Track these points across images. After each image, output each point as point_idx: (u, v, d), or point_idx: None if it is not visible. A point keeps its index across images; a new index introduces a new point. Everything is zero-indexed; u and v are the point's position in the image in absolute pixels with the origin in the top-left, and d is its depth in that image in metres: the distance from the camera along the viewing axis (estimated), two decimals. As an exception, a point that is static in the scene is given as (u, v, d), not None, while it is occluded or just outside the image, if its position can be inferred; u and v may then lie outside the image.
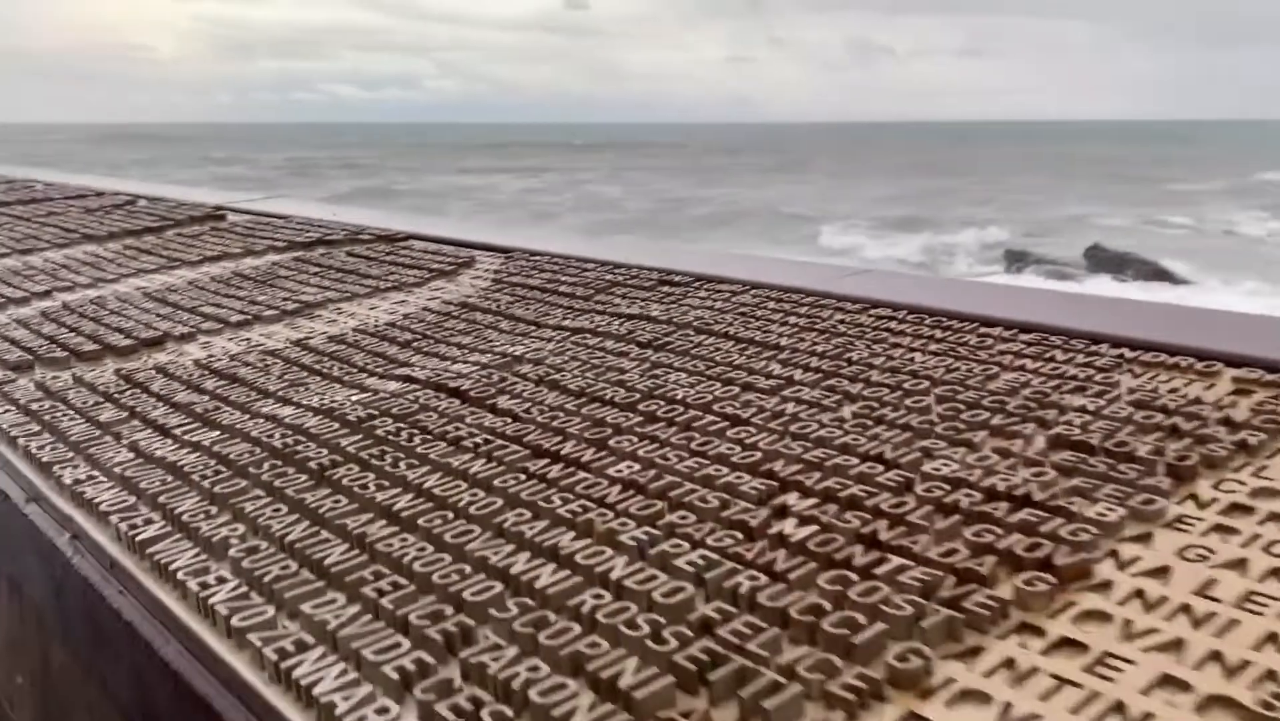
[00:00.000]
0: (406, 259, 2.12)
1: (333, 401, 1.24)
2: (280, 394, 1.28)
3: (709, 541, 0.82)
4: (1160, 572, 0.74)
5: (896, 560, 0.76)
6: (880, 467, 0.92)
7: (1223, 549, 0.77)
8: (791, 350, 1.30)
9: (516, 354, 1.39)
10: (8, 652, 1.40)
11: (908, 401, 1.08)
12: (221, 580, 0.83)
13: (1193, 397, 1.04)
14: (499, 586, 0.77)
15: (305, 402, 1.24)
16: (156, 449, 1.13)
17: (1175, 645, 0.66)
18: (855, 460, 0.94)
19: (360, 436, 1.11)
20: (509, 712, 0.64)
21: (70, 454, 1.15)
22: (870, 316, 1.42)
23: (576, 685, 0.66)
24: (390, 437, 1.10)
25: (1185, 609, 0.70)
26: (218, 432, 1.17)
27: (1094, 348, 1.21)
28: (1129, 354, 1.18)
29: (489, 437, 1.08)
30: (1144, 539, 0.79)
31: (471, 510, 0.90)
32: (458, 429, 1.11)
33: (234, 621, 0.76)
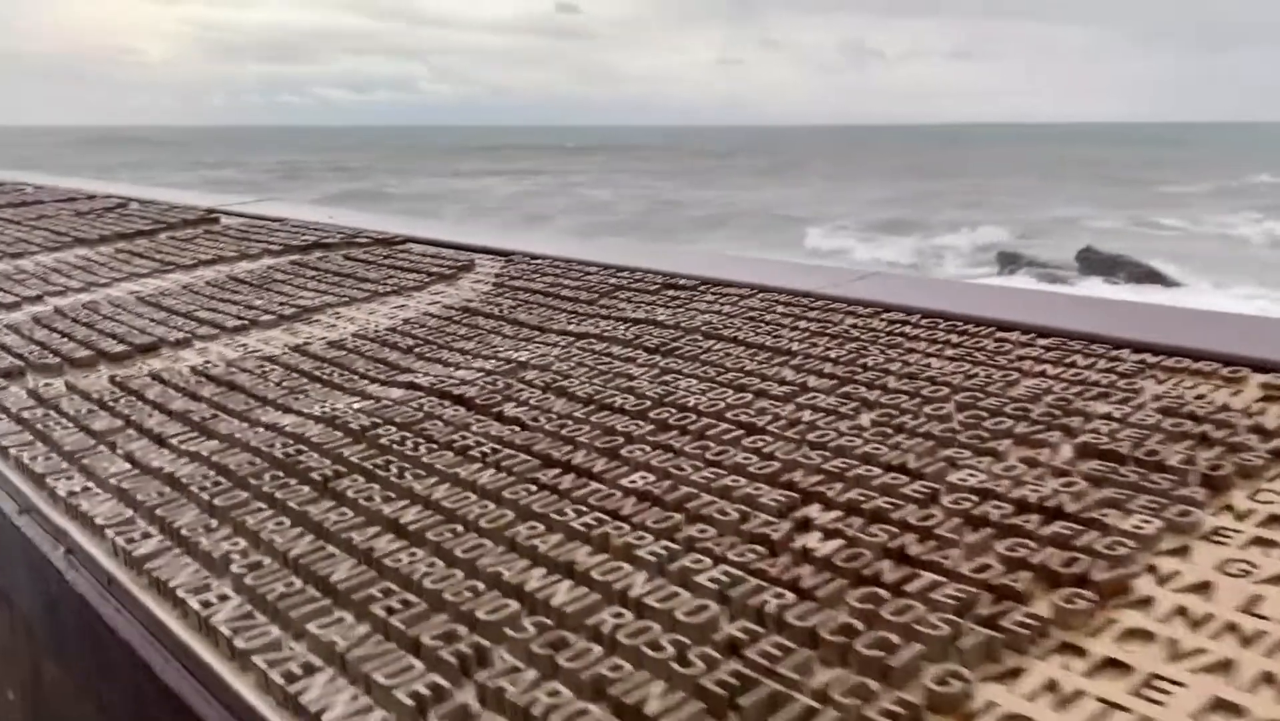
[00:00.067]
0: (405, 262, 2.09)
1: (334, 409, 1.20)
2: (280, 402, 1.25)
3: (730, 556, 0.79)
4: (1202, 588, 0.72)
5: (928, 576, 0.73)
6: (904, 478, 0.89)
7: (1265, 563, 0.74)
8: (804, 356, 1.27)
9: (521, 360, 1.36)
10: (-1, 667, 1.37)
11: (927, 409, 1.06)
12: (224, 598, 0.80)
13: (1221, 404, 1.02)
14: (514, 604, 0.74)
15: (306, 411, 1.21)
16: (153, 459, 1.09)
17: (1224, 666, 0.63)
18: (877, 470, 0.91)
19: (364, 446, 1.08)
20: (530, 741, 0.61)
21: (64, 464, 1.12)
22: (883, 321, 1.39)
23: (600, 711, 0.63)
24: (395, 447, 1.06)
25: (1232, 627, 0.67)
26: (216, 442, 1.13)
27: (1115, 352, 1.18)
28: (1151, 359, 1.16)
29: (497, 446, 1.05)
30: (1182, 552, 0.77)
31: (482, 523, 0.87)
32: (464, 437, 1.08)
33: (238, 642, 0.73)
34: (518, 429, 1.10)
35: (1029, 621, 0.67)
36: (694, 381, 1.21)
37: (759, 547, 0.80)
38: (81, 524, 0.98)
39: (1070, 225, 21.32)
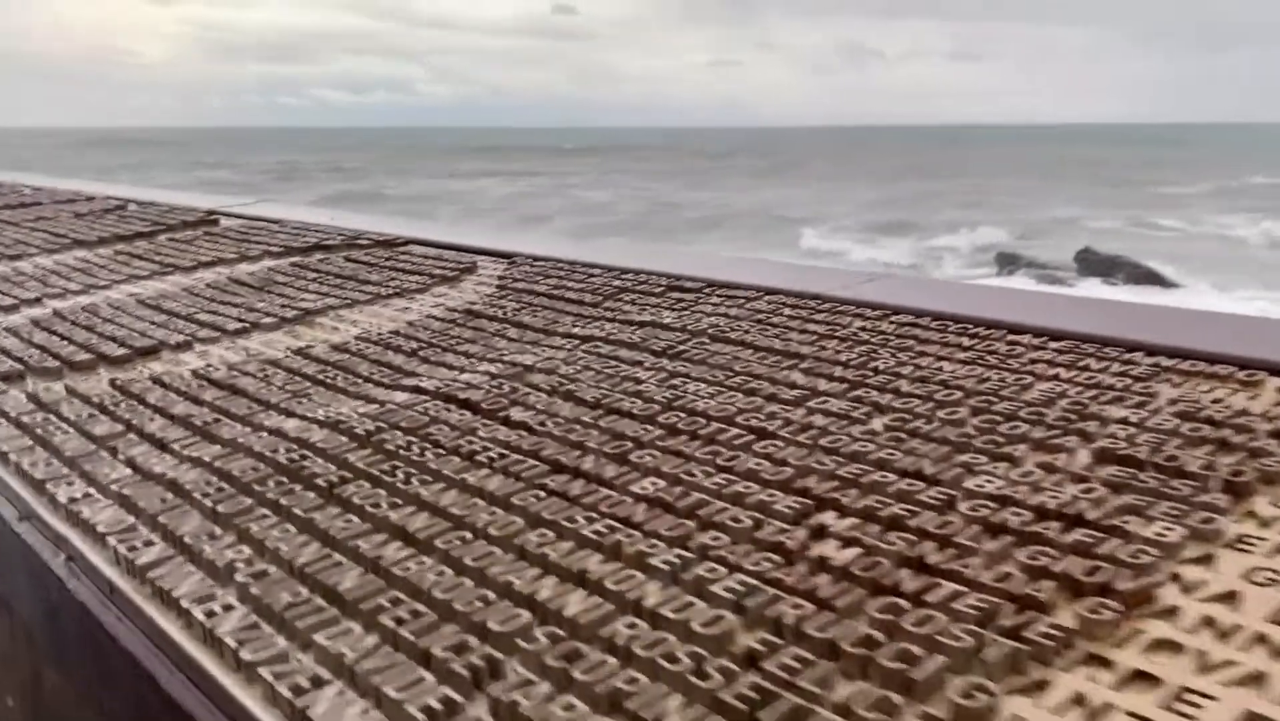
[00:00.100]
0: (407, 264, 2.07)
1: (338, 414, 1.19)
2: (283, 406, 1.24)
3: (745, 565, 0.77)
4: (1229, 598, 0.70)
5: (948, 585, 0.72)
6: (920, 484, 0.88)
7: (1292, 572, 0.72)
8: (813, 359, 1.26)
9: (527, 363, 1.34)
10: (-2, 675, 1.35)
11: (940, 413, 1.04)
12: (228, 607, 0.79)
13: (1239, 409, 1.00)
14: (526, 614, 0.73)
15: (310, 415, 1.19)
16: (155, 465, 1.08)
17: (1256, 679, 0.61)
18: (892, 476, 0.90)
19: (369, 451, 1.06)
20: (546, 757, 0.59)
21: (64, 470, 1.10)
22: (892, 323, 1.38)
23: (617, 725, 0.61)
24: (401, 452, 1.05)
25: (1261, 639, 0.65)
26: (219, 447, 1.12)
27: (1128, 356, 1.17)
28: (1165, 362, 1.14)
29: (504, 452, 1.03)
30: (1206, 560, 0.75)
31: (491, 530, 0.86)
32: (471, 442, 1.06)
33: (244, 654, 0.72)
34: (525, 433, 1.09)
35: (1053, 632, 0.66)
36: (703, 385, 1.19)
37: (774, 556, 0.78)
38: (82, 531, 0.97)
39: (1069, 226, 21.31)
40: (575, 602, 0.74)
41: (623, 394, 1.18)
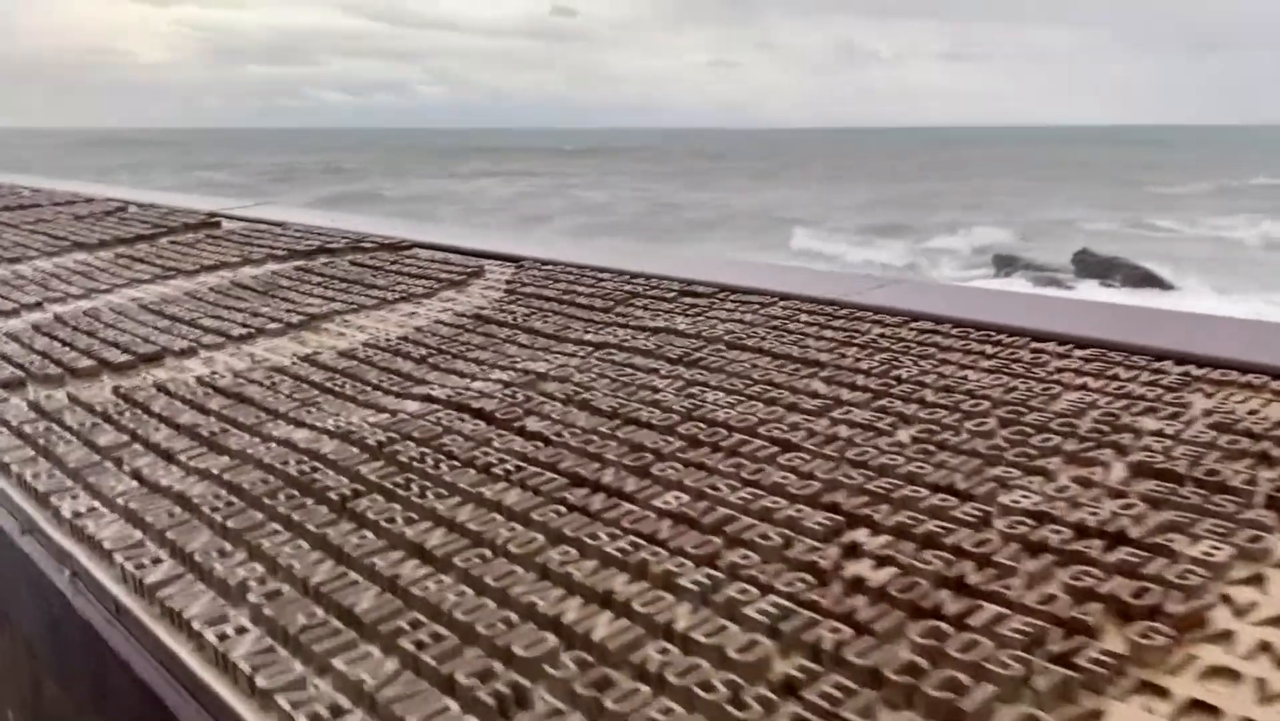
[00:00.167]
0: (413, 268, 2.04)
1: (349, 423, 1.16)
2: (292, 415, 1.21)
3: (778, 585, 0.74)
4: (1283, 621, 0.67)
5: (991, 608, 0.69)
6: (953, 499, 0.85)
7: (1347, 593, 0.70)
8: (834, 367, 1.23)
9: (540, 371, 1.31)
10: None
11: (969, 424, 1.02)
12: (242, 630, 0.76)
13: (1276, 420, 0.98)
14: (551, 638, 0.70)
15: (319, 425, 1.16)
16: (161, 477, 1.05)
17: (1320, 710, 0.59)
18: (924, 491, 0.87)
19: (381, 463, 1.04)
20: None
21: (68, 482, 1.07)
22: (912, 330, 1.35)
23: (653, 759, 0.58)
24: (414, 464, 1.02)
25: (1322, 666, 0.63)
26: (227, 459, 1.09)
27: (1157, 365, 1.14)
28: (1195, 371, 1.12)
29: (521, 464, 1.00)
30: (1256, 581, 0.73)
31: (511, 547, 0.83)
32: (486, 454, 1.03)
33: (259, 680, 0.69)
34: (541, 444, 1.06)
35: (1104, 659, 0.63)
36: (721, 394, 1.17)
37: (807, 576, 0.76)
38: (88, 547, 0.94)
39: (1066, 227, 21.29)
40: (602, 625, 0.71)
41: (640, 403, 1.15)
